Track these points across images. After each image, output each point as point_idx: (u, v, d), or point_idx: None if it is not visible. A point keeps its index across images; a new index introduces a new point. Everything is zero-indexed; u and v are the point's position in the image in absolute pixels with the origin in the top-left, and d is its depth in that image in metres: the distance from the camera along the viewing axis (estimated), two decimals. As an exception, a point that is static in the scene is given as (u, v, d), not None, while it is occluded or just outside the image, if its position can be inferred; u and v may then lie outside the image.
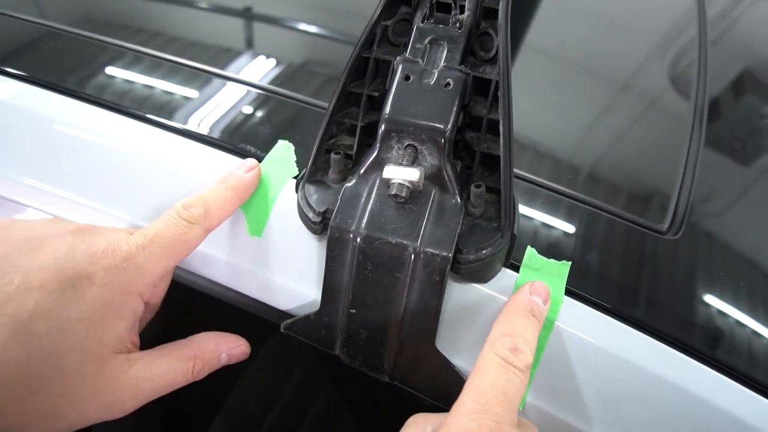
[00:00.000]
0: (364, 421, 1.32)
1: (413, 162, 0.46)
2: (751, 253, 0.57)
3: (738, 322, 0.50)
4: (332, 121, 0.50)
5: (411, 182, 0.45)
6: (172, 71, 0.65)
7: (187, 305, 1.09)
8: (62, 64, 0.65)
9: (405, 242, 0.44)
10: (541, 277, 0.49)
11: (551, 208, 0.56)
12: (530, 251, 0.51)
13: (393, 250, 0.45)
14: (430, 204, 0.46)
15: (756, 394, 0.45)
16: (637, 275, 0.52)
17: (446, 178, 0.47)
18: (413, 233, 0.45)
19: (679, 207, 0.58)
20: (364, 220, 0.46)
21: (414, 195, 0.46)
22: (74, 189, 0.57)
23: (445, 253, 0.44)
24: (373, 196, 0.47)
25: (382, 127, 0.46)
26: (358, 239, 0.45)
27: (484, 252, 0.46)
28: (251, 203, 0.52)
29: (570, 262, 0.50)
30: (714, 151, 0.67)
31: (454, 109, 0.46)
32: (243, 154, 0.55)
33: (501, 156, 0.45)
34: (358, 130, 0.50)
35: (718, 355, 0.47)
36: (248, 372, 1.32)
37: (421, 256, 0.45)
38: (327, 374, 1.33)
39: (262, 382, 1.33)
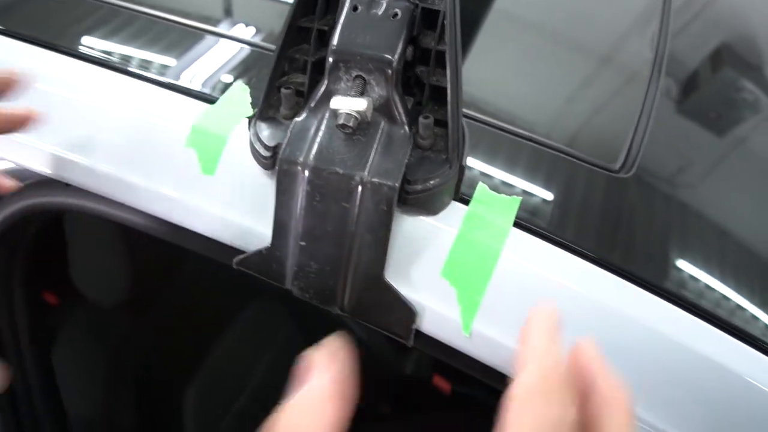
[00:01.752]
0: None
1: (362, 93, 0.46)
2: (696, 192, 0.58)
3: (677, 250, 0.51)
4: (283, 58, 0.50)
5: (358, 112, 0.45)
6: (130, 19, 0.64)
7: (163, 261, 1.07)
8: None
9: (352, 172, 0.45)
10: (491, 211, 0.50)
11: (507, 149, 0.57)
12: (481, 186, 0.52)
13: (341, 180, 0.45)
14: (378, 135, 0.47)
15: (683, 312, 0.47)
16: (589, 210, 0.53)
17: (395, 109, 0.47)
18: (361, 163, 0.45)
19: (633, 148, 0.59)
20: (313, 152, 0.46)
21: (362, 126, 0.46)
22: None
23: (392, 183, 0.45)
24: (323, 128, 0.47)
25: (330, 58, 0.46)
26: (307, 171, 0.45)
27: (431, 182, 0.47)
28: (203, 142, 0.52)
29: (520, 198, 0.51)
30: (669, 100, 0.68)
31: (402, 39, 0.46)
32: (203, 99, 0.55)
33: (448, 87, 0.45)
34: (309, 66, 0.50)
35: (661, 282, 0.48)
36: (224, 343, 1.32)
37: (368, 185, 0.45)
38: (306, 341, 1.33)
39: (238, 353, 1.33)
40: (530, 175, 0.55)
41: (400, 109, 0.47)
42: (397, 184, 0.45)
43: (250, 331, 1.33)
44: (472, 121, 0.57)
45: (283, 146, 0.47)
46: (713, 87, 0.74)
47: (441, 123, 0.48)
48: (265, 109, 0.51)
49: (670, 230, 0.53)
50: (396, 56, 0.45)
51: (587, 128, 0.62)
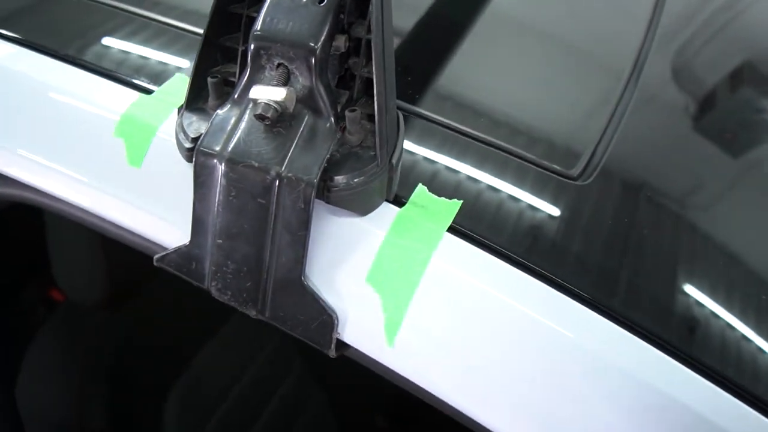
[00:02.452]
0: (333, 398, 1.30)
1: (285, 83, 0.44)
2: (658, 201, 0.53)
3: (630, 265, 0.47)
4: (212, 46, 0.48)
5: (277, 102, 0.42)
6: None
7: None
8: None
9: (268, 166, 0.42)
10: (428, 213, 0.46)
11: (458, 151, 0.53)
12: (421, 188, 0.48)
13: (256, 174, 0.42)
14: (301, 128, 0.44)
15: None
16: (535, 217, 0.49)
17: (320, 100, 0.44)
18: (278, 157, 0.42)
19: (596, 155, 0.55)
20: (231, 144, 0.43)
21: (285, 118, 0.44)
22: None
23: (309, 178, 0.42)
24: (245, 119, 0.44)
25: (252, 45, 0.43)
26: (223, 164, 0.43)
27: (356, 180, 0.43)
28: (133, 133, 0.50)
29: (461, 201, 0.48)
30: (644, 107, 0.64)
31: (327, 26, 0.43)
32: (139, 88, 0.53)
33: (374, 78, 0.42)
34: (239, 54, 0.48)
35: (607, 301, 0.44)
36: (207, 348, 1.30)
37: (285, 181, 0.42)
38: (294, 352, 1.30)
39: (223, 358, 1.31)
40: (478, 178, 0.51)
41: (326, 101, 0.44)
42: (314, 179, 0.41)
43: (238, 337, 1.31)
44: (419, 118, 0.54)
45: (202, 137, 0.44)
46: (693, 95, 0.70)
47: (373, 117, 0.45)
48: (194, 100, 0.48)
49: (622, 242, 0.48)
50: (319, 44, 0.42)
51: (549, 130, 0.58)
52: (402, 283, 0.44)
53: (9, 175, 0.54)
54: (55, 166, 0.51)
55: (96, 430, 1.11)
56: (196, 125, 0.47)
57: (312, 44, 0.42)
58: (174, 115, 0.50)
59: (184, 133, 0.46)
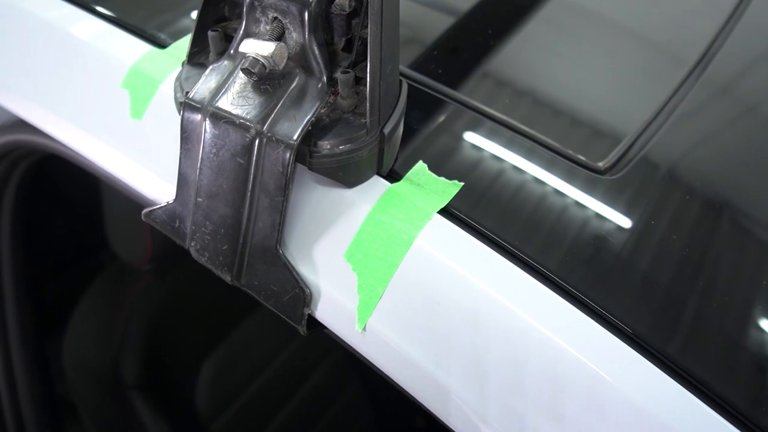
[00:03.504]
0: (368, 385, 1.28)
1: (278, 38, 0.41)
2: (698, 205, 0.46)
3: (655, 280, 0.40)
4: (219, 0, 0.46)
5: (265, 57, 0.40)
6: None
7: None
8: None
9: (248, 123, 0.39)
10: (422, 193, 0.42)
11: (477, 132, 0.49)
12: (420, 165, 0.44)
13: (236, 131, 0.40)
14: (291, 88, 0.41)
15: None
16: (549, 211, 0.43)
17: (312, 59, 0.41)
18: (261, 115, 0.40)
19: (633, 148, 0.49)
20: (218, 99, 0.41)
21: (274, 75, 0.41)
22: None
23: (289, 140, 0.39)
24: (237, 74, 0.42)
25: (247, -4, 0.41)
26: (207, 118, 0.41)
27: (341, 147, 0.40)
28: (138, 86, 0.50)
29: (461, 184, 0.43)
30: (705, 100, 0.56)
31: (324, -22, 0.40)
32: (153, 41, 0.53)
33: (369, 38, 0.39)
34: (245, 9, 0.45)
35: (599, 300, 0.38)
36: (246, 323, 1.31)
37: (265, 141, 0.39)
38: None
39: (261, 335, 1.32)
40: (492, 163, 0.46)
41: (319, 60, 0.41)
42: (293, 142, 0.39)
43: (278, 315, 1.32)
44: (447, 99, 0.50)
45: (192, 91, 0.42)
46: (758, 98, 0.60)
47: (371, 83, 0.42)
48: (196, 54, 0.47)
49: (645, 250, 0.42)
50: (314, -3, 0.40)
51: (585, 117, 0.52)
52: (380, 264, 0.40)
53: (33, 123, 0.56)
54: (66, 114, 0.52)
55: (129, 384, 1.15)
56: (194, 79, 0.45)
57: (306, -4, 0.39)
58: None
59: (181, 86, 0.45)
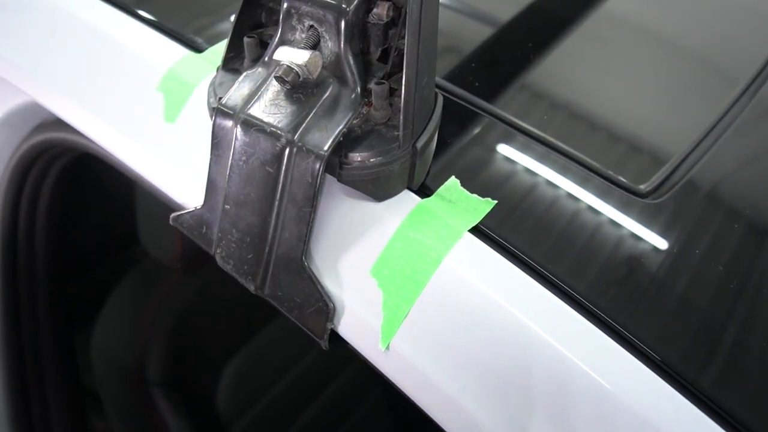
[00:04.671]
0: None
1: (314, 46, 0.40)
2: (750, 234, 0.43)
3: (694, 311, 0.38)
4: (256, 6, 0.46)
5: (299, 66, 0.39)
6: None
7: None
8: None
9: (279, 132, 0.39)
10: (454, 209, 0.41)
11: (515, 150, 0.47)
12: (453, 181, 0.43)
13: (267, 140, 0.39)
14: (324, 97, 0.40)
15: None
16: (584, 234, 0.41)
17: (346, 68, 0.40)
18: (292, 124, 0.39)
19: (678, 171, 0.46)
20: (250, 106, 0.41)
21: (309, 84, 0.40)
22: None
23: (318, 150, 0.38)
24: (270, 82, 0.42)
25: (284, 4, 0.41)
26: (238, 125, 0.40)
27: (372, 160, 0.39)
28: (172, 90, 0.50)
29: (495, 202, 0.42)
30: (758, 122, 0.53)
31: (363, -13, 0.39)
32: (191, 45, 0.53)
33: (405, 49, 0.38)
34: (282, 15, 0.45)
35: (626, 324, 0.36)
36: (271, 326, 1.31)
37: (295, 151, 0.39)
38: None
39: (285, 339, 1.32)
40: (529, 182, 0.45)
41: (354, 70, 0.40)
42: (324, 153, 0.38)
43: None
44: (483, 112, 0.48)
45: (225, 97, 0.42)
46: None
47: (407, 95, 0.41)
48: (231, 60, 0.46)
49: (687, 281, 0.40)
50: (351, 6, 0.39)
51: (629, 137, 0.50)
52: (407, 282, 0.39)
53: (69, 123, 0.56)
54: (101, 115, 0.52)
55: (153, 380, 1.16)
56: (228, 85, 0.45)
57: (344, 6, 0.39)
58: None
59: (214, 92, 0.45)
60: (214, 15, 0.57)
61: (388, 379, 0.40)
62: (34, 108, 0.65)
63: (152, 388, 1.15)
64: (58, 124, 0.65)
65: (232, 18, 0.56)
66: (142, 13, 0.56)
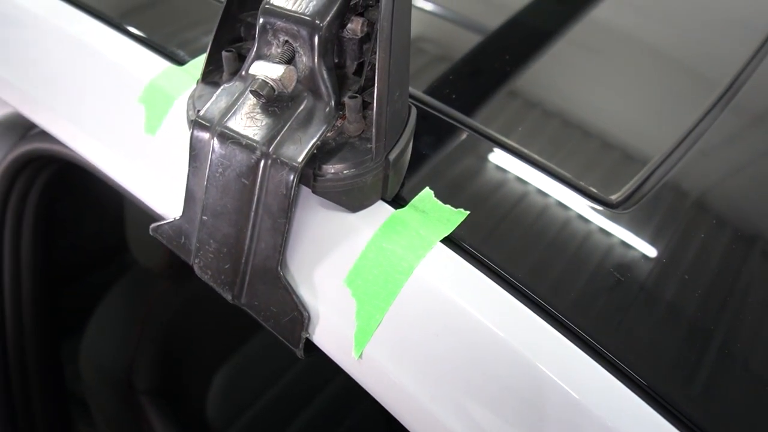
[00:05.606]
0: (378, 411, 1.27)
1: (288, 61, 0.41)
2: (722, 245, 0.44)
3: (662, 327, 0.39)
4: (234, 21, 0.47)
5: (273, 80, 0.40)
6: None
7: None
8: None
9: (254, 144, 0.40)
10: (426, 219, 0.42)
11: (485, 160, 0.48)
12: (427, 192, 0.44)
13: (242, 152, 0.40)
14: (298, 110, 0.41)
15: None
16: (554, 244, 0.42)
17: (320, 83, 0.41)
18: (267, 137, 0.40)
19: (649, 180, 0.47)
20: (226, 119, 0.41)
21: (282, 98, 0.41)
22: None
23: (292, 162, 0.39)
24: (247, 95, 0.43)
25: (260, 19, 0.42)
26: (215, 138, 0.41)
27: (345, 172, 0.40)
28: (154, 102, 0.50)
29: (467, 212, 0.43)
30: (733, 130, 0.54)
31: (336, 4, 0.40)
32: (173, 58, 0.54)
33: (377, 64, 0.39)
34: (257, 30, 0.46)
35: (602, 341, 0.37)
36: (262, 334, 1.31)
37: (270, 163, 0.40)
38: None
39: (275, 347, 1.32)
40: (498, 191, 0.45)
41: (328, 84, 0.41)
42: (298, 165, 0.39)
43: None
44: (455, 122, 0.49)
45: (203, 110, 0.43)
46: None
47: (379, 108, 0.42)
48: (210, 73, 0.47)
49: (657, 293, 0.40)
50: (325, 22, 0.40)
51: (601, 146, 0.51)
52: (380, 291, 0.40)
53: (52, 134, 0.57)
54: (84, 126, 0.53)
55: (142, 388, 1.16)
56: (207, 98, 0.46)
57: (317, 22, 0.40)
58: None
59: (193, 105, 0.46)
60: (196, 28, 0.58)
61: (362, 387, 0.40)
62: (19, 119, 0.66)
63: (141, 396, 1.15)
64: (44, 134, 0.65)
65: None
66: (125, 26, 0.57)
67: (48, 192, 0.72)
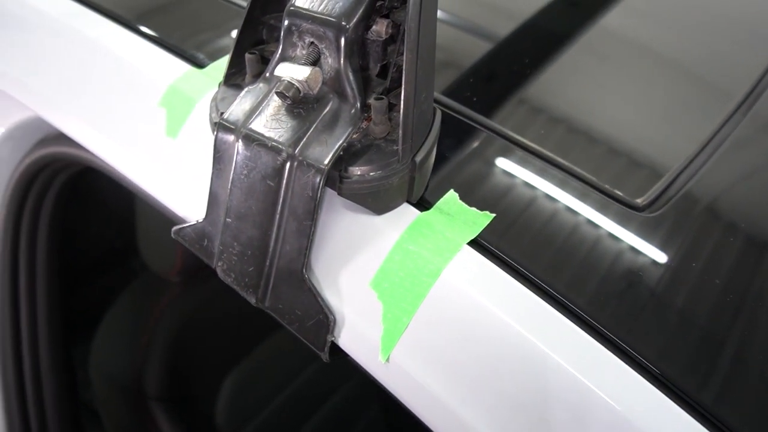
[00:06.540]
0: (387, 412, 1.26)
1: (314, 63, 0.41)
2: (745, 247, 0.44)
3: (691, 325, 0.38)
4: (256, 24, 0.47)
5: (299, 82, 0.40)
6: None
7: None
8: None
9: (280, 146, 0.39)
10: (452, 222, 0.42)
11: (511, 162, 0.48)
12: (452, 194, 0.44)
13: (268, 154, 0.40)
14: (324, 112, 0.41)
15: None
16: (580, 247, 0.42)
17: (346, 84, 0.41)
18: (292, 138, 0.40)
19: (675, 184, 0.47)
20: (251, 121, 0.41)
21: (308, 99, 0.41)
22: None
23: (319, 164, 0.39)
24: (271, 97, 0.42)
25: (285, 21, 0.42)
26: (240, 140, 0.41)
27: (372, 174, 0.40)
28: (175, 105, 0.50)
29: (493, 215, 0.42)
30: (753, 136, 0.53)
31: (362, 6, 0.40)
32: (192, 61, 0.54)
33: (404, 65, 0.39)
34: (282, 32, 0.46)
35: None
36: (270, 340, 1.31)
37: (296, 164, 0.39)
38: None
39: (284, 354, 1.31)
40: (525, 195, 0.45)
41: (353, 86, 0.41)
42: (324, 167, 0.38)
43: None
44: (480, 127, 0.49)
45: (227, 112, 0.43)
46: None
47: (405, 110, 0.41)
48: (232, 76, 0.47)
49: (685, 294, 0.40)
50: (351, 24, 0.39)
51: (625, 151, 0.51)
52: (407, 294, 0.39)
53: (72, 137, 0.57)
54: (105, 130, 0.53)
55: (151, 394, 1.16)
56: (230, 100, 0.46)
57: (343, 23, 0.39)
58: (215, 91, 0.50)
59: (216, 107, 0.46)
60: (214, 31, 0.58)
61: (388, 391, 0.40)
62: (37, 123, 0.66)
63: (151, 402, 1.15)
64: (60, 138, 0.65)
65: (233, 34, 0.58)
66: (144, 29, 0.57)
67: (64, 196, 0.72)
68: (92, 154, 0.58)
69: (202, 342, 1.24)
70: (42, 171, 0.68)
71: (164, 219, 1.08)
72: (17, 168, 0.67)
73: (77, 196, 0.86)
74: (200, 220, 0.45)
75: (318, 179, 0.39)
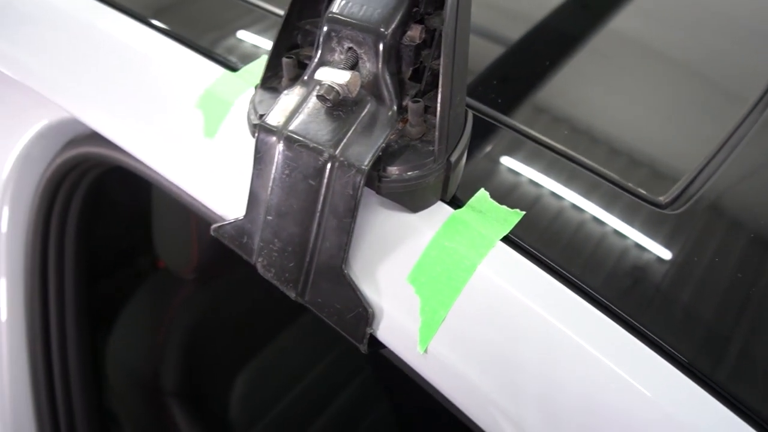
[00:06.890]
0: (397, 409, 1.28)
1: (352, 67, 0.43)
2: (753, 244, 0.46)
3: (716, 317, 0.40)
4: (293, 29, 0.49)
5: (340, 85, 0.41)
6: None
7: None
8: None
9: (321, 147, 0.41)
10: (484, 220, 0.43)
11: (537, 163, 0.49)
12: (483, 193, 0.45)
13: (309, 155, 0.42)
14: (362, 114, 0.43)
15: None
16: (605, 242, 0.44)
17: (384, 88, 0.43)
18: (333, 140, 0.42)
19: (696, 182, 0.49)
20: (292, 123, 0.43)
21: (347, 102, 0.43)
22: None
23: (360, 165, 0.40)
24: (310, 101, 0.44)
25: (324, 27, 0.43)
26: (281, 141, 0.43)
27: (409, 173, 0.42)
28: (211, 107, 0.52)
29: (522, 212, 0.44)
30: (762, 141, 0.55)
31: (400, 12, 0.41)
32: (226, 64, 0.55)
33: (441, 69, 0.40)
34: (321, 38, 0.48)
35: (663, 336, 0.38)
36: (282, 337, 1.33)
37: (337, 164, 0.41)
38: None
39: (296, 350, 1.33)
40: (552, 193, 0.47)
41: (390, 89, 0.43)
42: (364, 167, 0.40)
43: (314, 330, 1.33)
44: (504, 127, 0.51)
45: (267, 114, 0.45)
46: None
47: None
48: (269, 79, 0.49)
49: (709, 288, 0.42)
50: (389, 30, 0.41)
51: (646, 151, 0.52)
52: (444, 288, 0.41)
53: (105, 136, 0.59)
54: (142, 131, 0.55)
55: (167, 390, 1.18)
56: (267, 103, 0.47)
57: (382, 29, 0.41)
58: (251, 93, 0.51)
59: (255, 109, 0.47)
60: (246, 35, 0.60)
61: (426, 383, 0.42)
62: (67, 124, 0.67)
63: (168, 398, 1.17)
64: (89, 139, 0.67)
65: (262, 37, 0.60)
66: (178, 33, 0.59)
67: (92, 195, 0.74)
68: (121, 153, 0.60)
69: (215, 338, 1.26)
70: (72, 170, 0.70)
71: (181, 216, 1.09)
72: (48, 167, 0.69)
73: (99, 195, 0.88)
74: (240, 218, 0.47)
75: (359, 179, 0.41)
